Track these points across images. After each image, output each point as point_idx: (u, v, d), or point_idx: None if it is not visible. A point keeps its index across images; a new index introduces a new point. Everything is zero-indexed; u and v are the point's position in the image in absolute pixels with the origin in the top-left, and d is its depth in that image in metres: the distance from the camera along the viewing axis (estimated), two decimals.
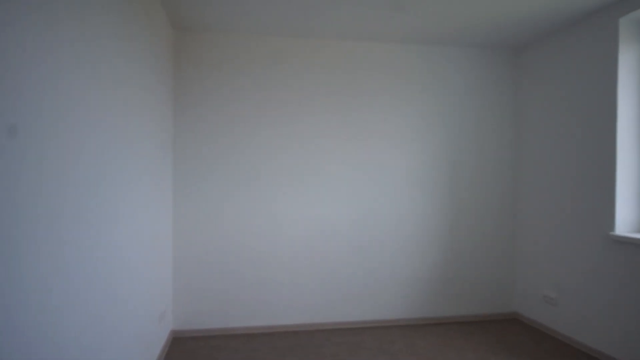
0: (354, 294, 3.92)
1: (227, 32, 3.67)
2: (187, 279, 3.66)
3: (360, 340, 3.59)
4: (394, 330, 3.82)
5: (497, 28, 3.61)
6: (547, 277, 3.74)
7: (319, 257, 3.86)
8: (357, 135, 3.91)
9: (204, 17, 3.33)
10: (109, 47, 2.00)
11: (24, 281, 1.25)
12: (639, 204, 3.11)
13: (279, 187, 3.79)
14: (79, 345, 1.64)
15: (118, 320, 2.14)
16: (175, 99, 3.62)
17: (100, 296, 1.89)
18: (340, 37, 3.80)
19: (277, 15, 3.30)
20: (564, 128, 3.58)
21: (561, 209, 3.60)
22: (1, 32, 1.15)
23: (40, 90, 1.36)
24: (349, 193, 3.90)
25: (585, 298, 3.35)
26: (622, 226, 3.09)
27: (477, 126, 4.12)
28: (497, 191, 4.16)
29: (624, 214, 3.09)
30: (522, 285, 4.08)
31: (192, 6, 3.10)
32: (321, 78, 3.84)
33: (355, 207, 3.92)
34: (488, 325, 3.97)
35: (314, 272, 3.85)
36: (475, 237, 4.12)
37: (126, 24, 2.26)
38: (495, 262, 4.16)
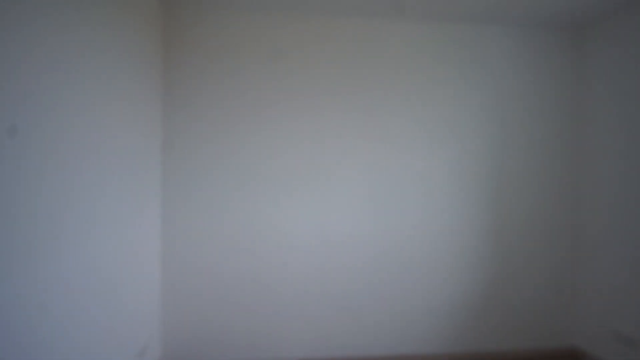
0: (377, 323, 3.29)
1: (226, 9, 3.12)
2: (178, 304, 3.14)
3: None
4: None
5: (552, 1, 2.89)
6: (621, 310, 2.98)
7: (332, 278, 3.26)
8: (376, 135, 3.28)
9: None
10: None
11: None
12: None
13: (284, 195, 3.21)
14: None
15: None
16: (166, 91, 3.11)
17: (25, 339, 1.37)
18: (353, 14, 3.18)
19: None
20: None
21: None
22: None
23: None
24: (366, 202, 3.28)
25: None
26: None
27: (527, 123, 3.39)
28: (554, 201, 3.41)
29: None
30: (585, 316, 3.33)
31: None
32: (334, 68, 3.24)
33: (374, 218, 3.29)
34: None
35: (327, 296, 3.25)
36: (525, 255, 3.40)
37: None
38: (551, 286, 3.42)
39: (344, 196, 3.26)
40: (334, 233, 3.26)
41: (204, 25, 3.13)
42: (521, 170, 3.40)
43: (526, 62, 3.39)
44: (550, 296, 3.42)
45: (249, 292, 3.19)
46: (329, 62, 3.23)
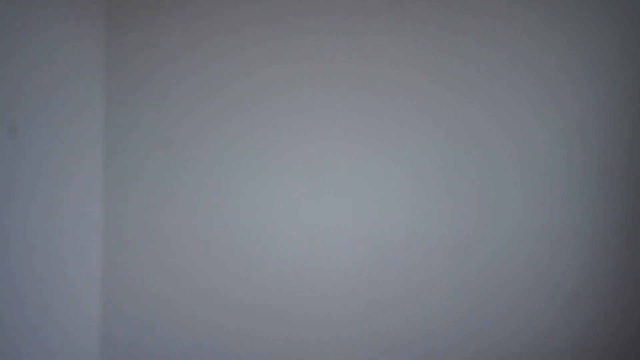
0: None
1: None
2: (130, 350, 1.94)
3: None
4: None
5: None
6: None
7: (394, 309, 1.98)
8: (468, 89, 1.97)
9: None
10: None
11: None
12: None
13: (312, 178, 1.99)
14: None
15: None
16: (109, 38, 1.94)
17: None
18: None
19: None
20: None
21: None
22: None
23: None
24: (449, 192, 1.98)
25: None
26: None
27: None
28: None
29: None
30: None
31: None
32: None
33: (462, 219, 1.97)
34: None
35: (387, 334, 1.95)
36: None
37: None
38: None
39: (414, 190, 1.99)
40: (397, 238, 1.98)
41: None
42: None
43: None
44: None
45: (254, 338, 1.94)
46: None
